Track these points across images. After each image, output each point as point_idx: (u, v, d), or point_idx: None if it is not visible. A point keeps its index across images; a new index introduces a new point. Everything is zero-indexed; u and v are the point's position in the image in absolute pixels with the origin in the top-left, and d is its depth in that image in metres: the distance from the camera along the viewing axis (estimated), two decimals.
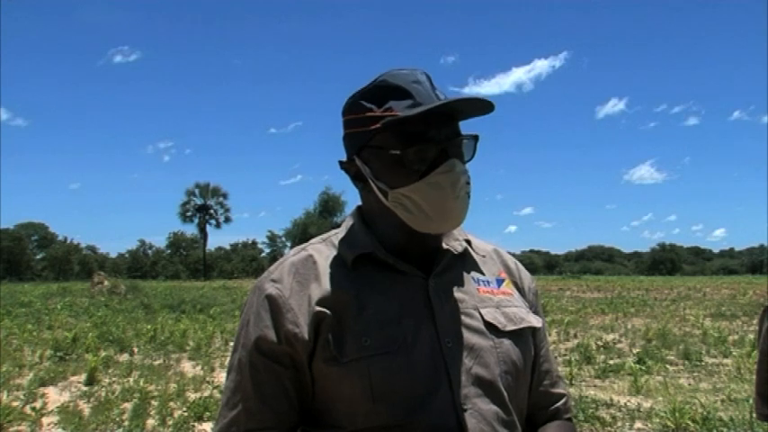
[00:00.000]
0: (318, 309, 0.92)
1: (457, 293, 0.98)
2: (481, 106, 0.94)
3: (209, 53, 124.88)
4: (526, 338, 1.02)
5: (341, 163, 1.03)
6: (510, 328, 0.99)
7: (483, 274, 1.05)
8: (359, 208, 1.06)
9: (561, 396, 1.10)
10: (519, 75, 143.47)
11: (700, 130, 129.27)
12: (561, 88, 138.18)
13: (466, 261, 1.04)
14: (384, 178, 0.96)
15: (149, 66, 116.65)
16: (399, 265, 0.97)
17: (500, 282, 1.06)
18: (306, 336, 0.91)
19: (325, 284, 0.95)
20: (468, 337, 0.95)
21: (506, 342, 0.97)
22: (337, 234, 1.04)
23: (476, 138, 0.98)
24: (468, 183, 0.97)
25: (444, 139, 0.94)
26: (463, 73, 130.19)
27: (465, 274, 1.03)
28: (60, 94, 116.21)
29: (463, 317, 0.96)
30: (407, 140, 0.93)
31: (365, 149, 0.98)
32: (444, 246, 1.02)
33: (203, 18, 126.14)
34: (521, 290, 1.09)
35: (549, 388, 1.08)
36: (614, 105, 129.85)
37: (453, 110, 0.95)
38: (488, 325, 0.97)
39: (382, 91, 0.96)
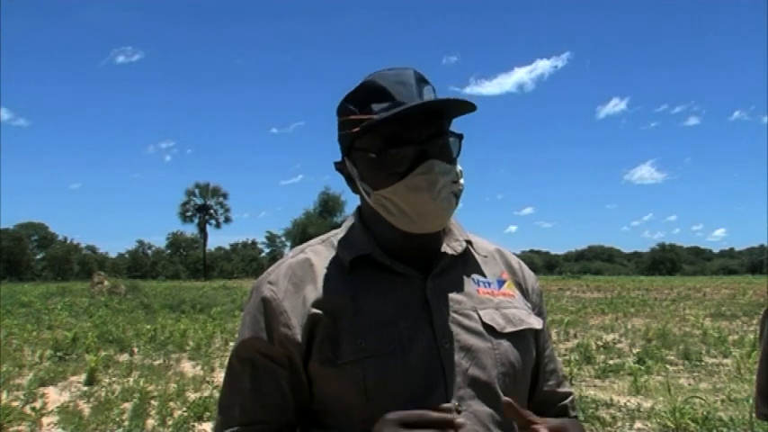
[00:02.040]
0: (314, 311, 0.92)
1: (455, 295, 0.98)
2: (461, 104, 0.93)
3: (211, 53, 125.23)
4: (526, 340, 1.01)
5: (335, 164, 1.04)
6: (509, 329, 0.98)
7: (484, 275, 1.04)
8: (359, 209, 1.06)
9: (567, 395, 1.10)
10: (521, 75, 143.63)
11: (700, 131, 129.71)
12: (563, 88, 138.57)
13: (466, 262, 1.04)
14: (367, 180, 0.96)
15: (152, 66, 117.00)
16: (397, 267, 0.97)
17: (501, 283, 1.05)
18: (299, 338, 0.92)
19: (321, 287, 0.95)
20: (466, 338, 0.94)
21: (505, 344, 0.97)
22: (337, 235, 1.05)
23: (459, 136, 0.97)
24: (456, 182, 0.96)
25: (424, 140, 0.92)
26: (465, 73, 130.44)
27: (464, 275, 1.02)
28: (62, 94, 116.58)
29: (461, 318, 0.96)
30: (385, 143, 0.92)
31: (352, 151, 0.98)
32: (444, 247, 1.01)
33: (206, 18, 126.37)
34: (524, 291, 1.08)
35: (554, 387, 1.08)
36: (615, 105, 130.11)
37: (434, 109, 0.93)
38: (486, 326, 0.97)
39: (365, 93, 0.96)
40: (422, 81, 0.96)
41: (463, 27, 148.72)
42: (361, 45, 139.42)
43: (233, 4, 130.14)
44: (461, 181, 0.98)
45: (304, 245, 1.05)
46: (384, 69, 0.98)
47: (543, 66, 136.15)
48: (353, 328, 0.91)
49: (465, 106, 0.93)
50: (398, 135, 0.92)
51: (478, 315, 0.97)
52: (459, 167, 0.97)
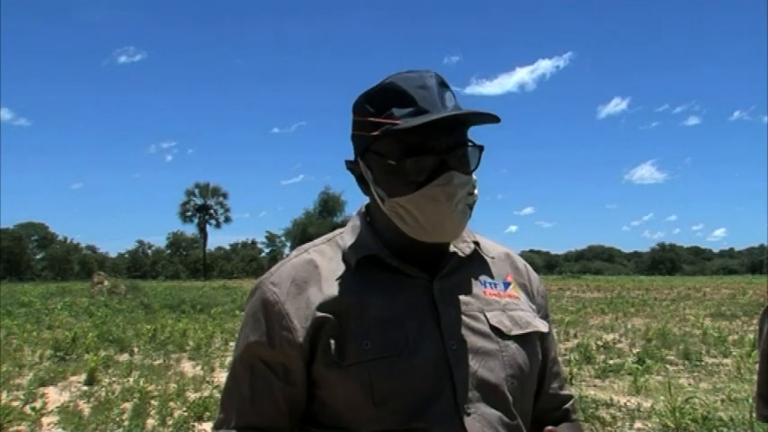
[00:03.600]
0: (319, 314, 0.91)
1: (462, 296, 0.97)
2: (485, 117, 0.92)
3: (213, 53, 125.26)
4: (533, 343, 1.00)
5: (347, 162, 1.02)
6: (516, 332, 0.98)
7: (491, 276, 1.03)
8: (366, 207, 1.05)
9: (569, 398, 1.10)
10: (522, 75, 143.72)
11: (701, 130, 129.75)
12: (564, 88, 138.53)
13: (473, 263, 1.03)
14: (382, 185, 0.95)
15: (153, 66, 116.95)
16: (404, 268, 0.96)
17: (507, 285, 1.04)
18: (300, 340, 0.91)
19: (327, 288, 0.94)
20: (474, 340, 0.94)
21: (512, 346, 0.96)
22: (342, 234, 1.03)
23: (480, 148, 0.95)
24: (472, 194, 0.95)
25: (445, 150, 0.91)
26: (466, 73, 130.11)
27: (472, 276, 1.01)
28: (64, 94, 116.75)
29: (468, 320, 0.95)
30: (405, 151, 0.91)
31: (368, 153, 0.96)
32: (451, 248, 1.00)
33: (207, 19, 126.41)
34: (529, 293, 1.08)
35: (558, 390, 1.08)
36: (617, 105, 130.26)
37: (456, 119, 0.92)
38: (494, 328, 0.96)
39: (386, 95, 0.94)
40: (443, 86, 0.95)
41: (465, 27, 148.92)
42: (363, 45, 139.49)
43: (235, 5, 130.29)
44: (476, 191, 0.97)
45: (308, 244, 1.04)
46: (405, 72, 0.96)
47: (545, 66, 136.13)
48: (359, 330, 0.90)
49: (489, 119, 0.92)
50: (419, 144, 0.90)
51: (485, 317, 0.97)
52: (474, 177, 0.96)
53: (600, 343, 10.65)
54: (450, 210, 0.91)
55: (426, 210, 0.91)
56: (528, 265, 1.12)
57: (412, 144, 0.91)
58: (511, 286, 1.05)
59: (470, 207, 0.96)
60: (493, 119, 0.92)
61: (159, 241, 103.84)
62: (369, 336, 0.90)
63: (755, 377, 1.72)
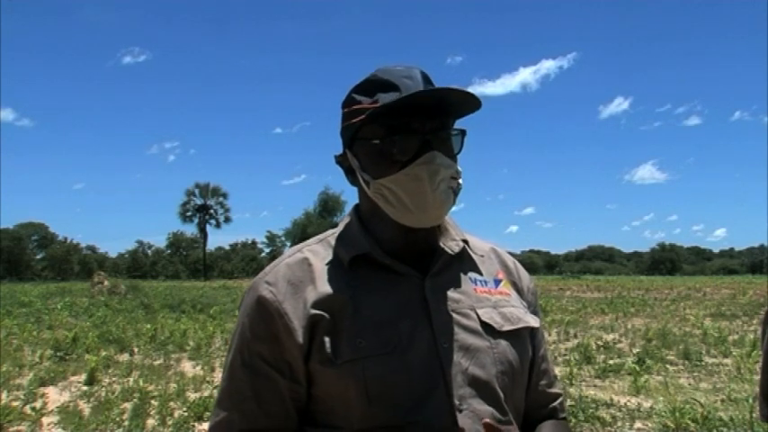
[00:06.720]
0: (314, 312, 0.92)
1: (453, 294, 0.98)
2: (468, 100, 0.94)
3: (216, 54, 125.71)
4: (523, 339, 1.01)
5: (336, 157, 1.04)
6: (507, 328, 0.99)
7: (481, 274, 1.05)
8: (356, 207, 1.06)
9: (558, 396, 1.10)
10: (525, 75, 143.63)
11: (702, 131, 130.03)
12: (566, 88, 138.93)
13: (463, 261, 1.04)
14: (368, 169, 0.97)
15: (158, 66, 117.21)
16: (396, 266, 0.97)
17: (498, 282, 1.06)
18: (300, 339, 0.91)
19: (321, 287, 0.95)
20: (465, 337, 0.95)
21: (503, 342, 0.97)
22: (334, 234, 1.04)
23: (463, 132, 0.98)
24: (455, 177, 0.97)
25: (428, 131, 0.94)
26: (469, 73, 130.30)
27: (462, 274, 1.02)
28: (67, 94, 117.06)
29: (459, 317, 0.96)
30: (389, 131, 0.94)
31: (355, 142, 0.99)
32: (441, 246, 1.02)
33: (212, 19, 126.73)
34: (519, 290, 1.08)
35: (546, 388, 1.09)
36: (619, 105, 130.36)
37: (441, 103, 0.94)
38: (485, 325, 0.97)
39: (372, 84, 0.98)
40: (428, 81, 0.98)
41: (468, 27, 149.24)
42: (367, 45, 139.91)
43: (239, 6, 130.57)
44: (460, 180, 0.98)
45: (301, 245, 1.05)
46: (391, 65, 1.00)
47: (548, 66, 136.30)
48: (353, 328, 0.91)
49: (471, 102, 0.94)
50: (403, 124, 0.93)
51: (476, 314, 0.98)
52: (459, 167, 0.98)
53: (600, 343, 10.64)
54: (433, 188, 0.93)
55: (409, 189, 0.93)
56: (516, 262, 1.13)
57: (396, 125, 0.93)
58: (502, 283, 1.06)
59: (455, 193, 0.98)
60: (473, 99, 0.94)
61: (159, 241, 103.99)
62: (362, 334, 0.91)
63: (756, 377, 1.72)
